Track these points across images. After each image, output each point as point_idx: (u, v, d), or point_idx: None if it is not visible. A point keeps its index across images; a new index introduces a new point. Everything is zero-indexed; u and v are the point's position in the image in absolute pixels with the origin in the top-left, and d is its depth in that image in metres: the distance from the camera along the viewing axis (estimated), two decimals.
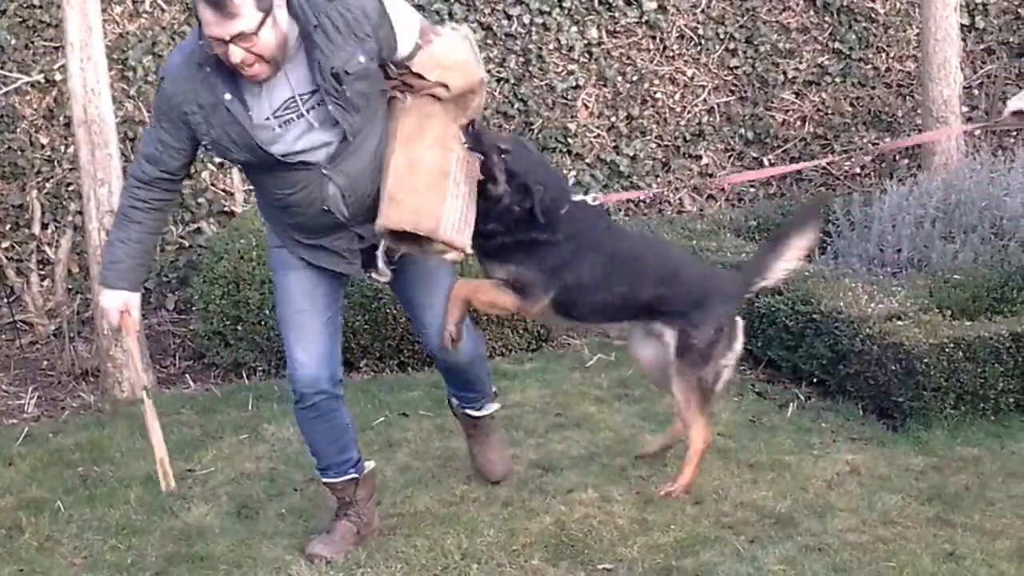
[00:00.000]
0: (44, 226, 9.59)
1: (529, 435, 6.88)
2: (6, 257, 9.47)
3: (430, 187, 4.75)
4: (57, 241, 9.58)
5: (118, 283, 4.98)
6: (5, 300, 9.49)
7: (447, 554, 5.33)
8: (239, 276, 8.31)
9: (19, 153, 9.42)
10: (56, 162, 9.54)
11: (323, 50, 4.58)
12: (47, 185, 9.53)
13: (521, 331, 8.64)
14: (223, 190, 9.85)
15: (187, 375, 8.62)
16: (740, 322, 5.73)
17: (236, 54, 4.41)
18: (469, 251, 5.00)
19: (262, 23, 4.38)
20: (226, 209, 9.81)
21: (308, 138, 4.72)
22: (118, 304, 5.01)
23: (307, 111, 4.68)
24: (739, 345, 5.68)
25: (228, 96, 4.58)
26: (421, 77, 4.83)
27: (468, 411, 5.98)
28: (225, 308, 8.34)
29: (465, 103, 4.97)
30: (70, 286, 9.56)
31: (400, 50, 4.82)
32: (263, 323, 8.22)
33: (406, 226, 4.74)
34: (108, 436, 7.23)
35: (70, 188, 9.47)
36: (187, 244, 9.77)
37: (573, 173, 10.52)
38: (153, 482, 6.23)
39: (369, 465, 5.51)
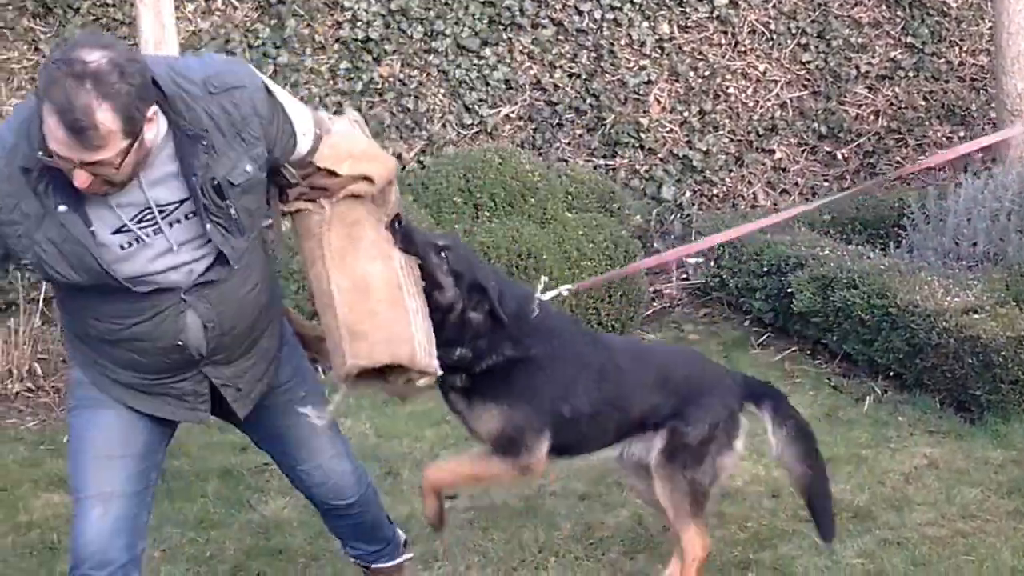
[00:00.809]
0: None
1: None
2: None
3: (391, 306, 3.89)
4: None
5: None
6: None
7: (524, 547, 5.38)
8: None
9: None
10: None
11: (203, 156, 3.58)
12: None
13: (594, 325, 8.67)
14: None
15: None
16: (743, 420, 4.83)
17: (82, 178, 3.38)
18: (439, 372, 4.03)
19: (127, 151, 3.38)
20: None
21: (167, 259, 3.65)
22: None
23: (168, 225, 3.61)
24: (740, 444, 4.81)
25: (63, 208, 3.48)
26: (332, 174, 3.92)
27: (379, 565, 4.79)
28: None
29: (384, 197, 4.09)
30: None
31: (300, 146, 3.85)
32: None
33: (383, 360, 3.84)
34: (185, 431, 7.27)
35: None
36: None
37: (646, 168, 10.51)
38: (231, 476, 6.35)
39: None
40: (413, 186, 9.26)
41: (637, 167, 10.48)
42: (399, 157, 9.64)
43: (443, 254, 4.20)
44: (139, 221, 3.55)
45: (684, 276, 9.83)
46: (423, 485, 4.51)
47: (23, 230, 3.50)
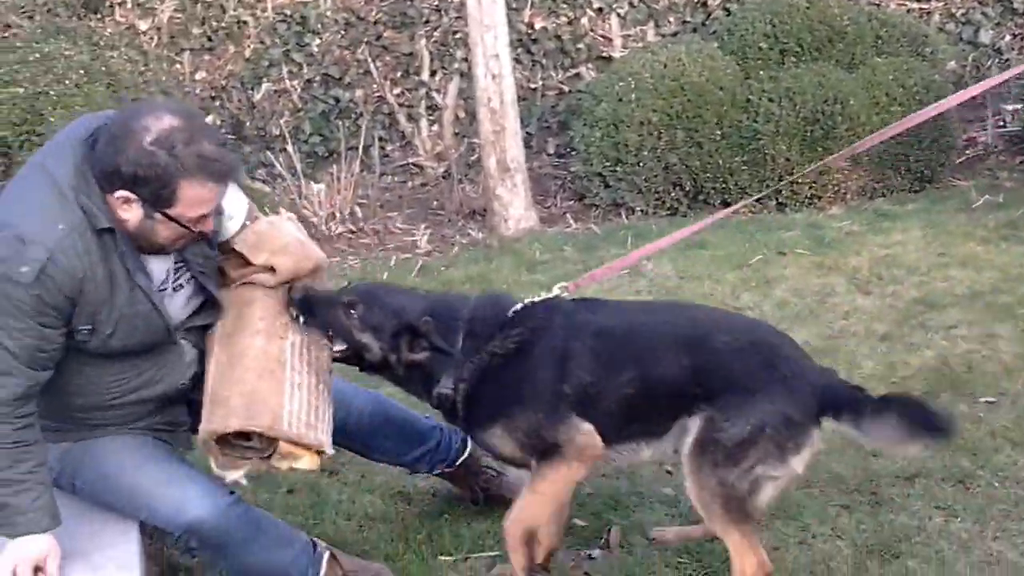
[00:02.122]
0: (432, 73, 10.02)
1: (911, 273, 6.81)
2: (398, 104, 9.97)
3: (261, 377, 3.66)
4: (445, 87, 10.01)
5: (36, 526, 3.41)
6: (398, 145, 10.02)
7: None
8: (618, 118, 8.50)
9: (408, 3, 9.86)
10: (443, 11, 9.92)
11: None
12: (435, 34, 9.90)
13: (903, 171, 8.49)
14: (601, 35, 10.00)
15: (567, 215, 8.91)
16: (811, 438, 3.81)
17: (209, 223, 3.54)
18: (330, 450, 3.72)
19: None
20: (604, 54, 9.96)
21: (189, 305, 3.78)
22: (35, 556, 3.40)
23: (188, 280, 3.74)
24: (798, 463, 3.79)
25: (132, 265, 3.49)
26: (245, 261, 3.81)
27: (450, 466, 4.54)
28: (605, 150, 8.57)
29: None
30: (457, 130, 10.00)
31: (227, 228, 3.80)
32: (641, 164, 8.43)
33: (235, 425, 3.58)
34: (495, 269, 7.61)
35: (456, 36, 9.81)
36: (567, 89, 9.99)
37: (962, 11, 10.08)
38: None
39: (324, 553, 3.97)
40: (718, 33, 9.20)
41: (953, 10, 10.06)
42: None
43: (352, 312, 3.84)
44: (175, 272, 3.67)
45: (1000, 123, 9.45)
46: (508, 544, 3.92)
47: (104, 294, 3.44)
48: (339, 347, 3.86)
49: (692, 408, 3.78)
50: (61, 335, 3.39)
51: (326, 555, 3.86)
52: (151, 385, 3.71)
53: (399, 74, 9.97)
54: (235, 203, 3.77)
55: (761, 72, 8.62)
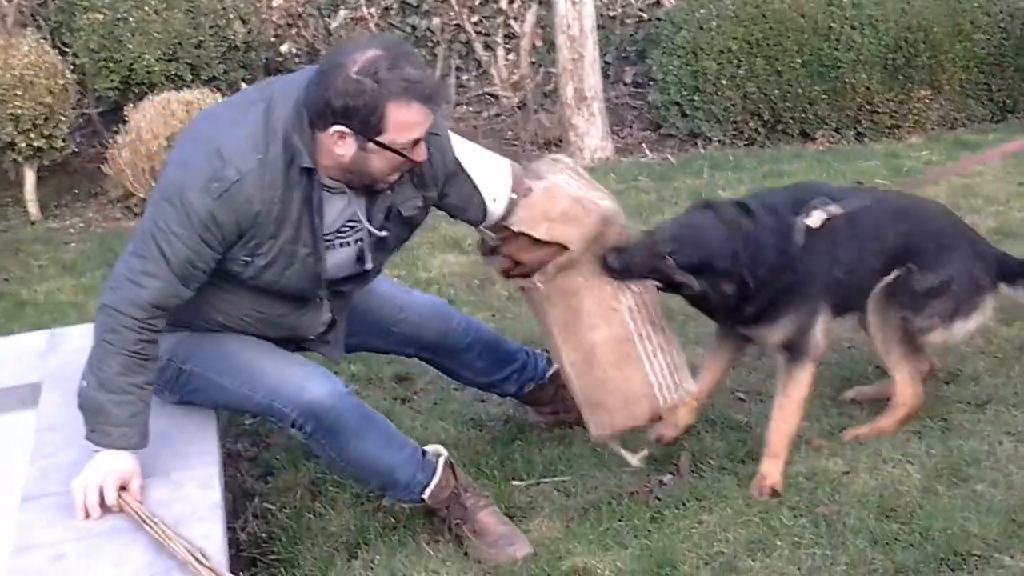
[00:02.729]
0: (511, 1, 10.03)
1: (989, 203, 6.80)
2: (475, 32, 9.99)
3: (620, 367, 3.86)
4: (522, 16, 10.01)
5: (127, 442, 3.44)
6: (473, 74, 10.05)
7: None
8: (698, 46, 8.51)
9: None
10: None
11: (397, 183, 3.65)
12: None
13: (985, 100, 8.43)
14: None
15: (643, 145, 8.94)
16: (988, 300, 4.42)
17: (422, 150, 3.51)
18: (696, 398, 4.19)
19: None
20: None
21: (347, 268, 3.79)
22: (121, 473, 3.38)
23: (356, 242, 3.75)
24: (973, 322, 4.38)
25: (313, 208, 3.53)
26: (530, 238, 3.80)
27: (536, 383, 4.57)
28: (683, 78, 8.59)
29: (602, 243, 3.89)
30: (533, 59, 10.01)
31: (491, 211, 3.86)
32: (720, 93, 8.43)
33: (624, 426, 3.91)
34: None
35: None
36: (646, 17, 9.96)
37: None
38: None
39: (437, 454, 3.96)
40: None
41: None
42: None
43: (669, 259, 3.91)
44: (345, 231, 3.68)
45: None
46: (775, 453, 4.12)
47: (272, 228, 3.48)
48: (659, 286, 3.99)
49: (895, 267, 4.28)
50: (215, 258, 3.45)
51: (442, 458, 3.87)
52: (283, 327, 3.80)
53: (477, 2, 9.98)
54: (494, 182, 3.82)
55: None
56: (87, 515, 3.27)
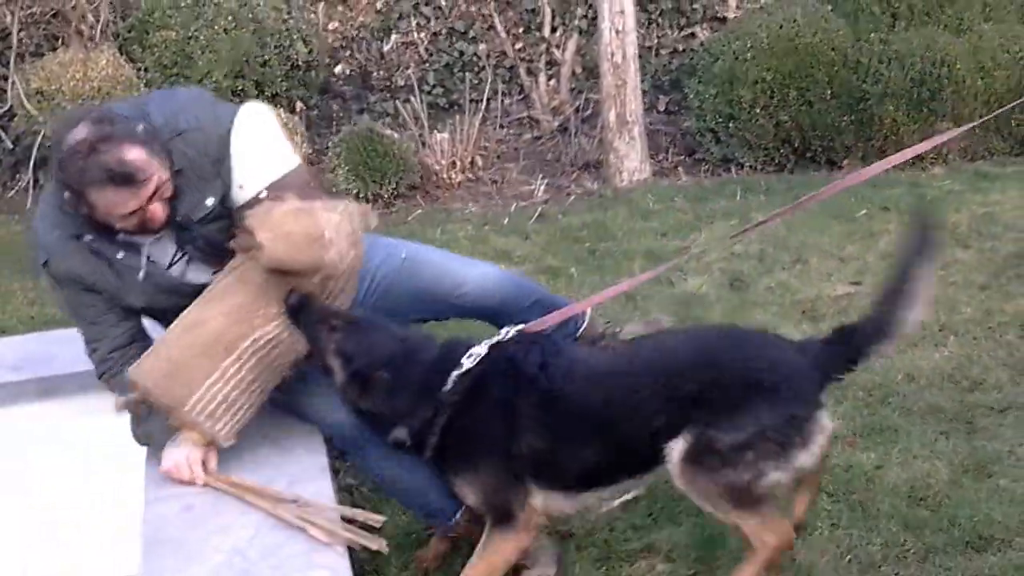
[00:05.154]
0: (553, 30, 10.41)
1: (1008, 230, 7.14)
2: (519, 58, 10.38)
3: (199, 355, 3.62)
4: (564, 44, 10.40)
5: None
6: (516, 98, 10.44)
7: (926, 327, 5.69)
8: (733, 76, 8.91)
9: None
10: None
11: (176, 195, 3.67)
12: None
13: (1004, 134, 8.82)
14: None
15: (679, 168, 9.33)
16: (817, 423, 3.54)
17: (157, 212, 3.58)
18: (222, 443, 3.66)
19: (170, 164, 3.59)
20: (719, 15, 10.29)
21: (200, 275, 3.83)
22: (202, 449, 3.68)
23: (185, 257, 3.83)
24: (816, 444, 3.54)
25: (120, 254, 3.69)
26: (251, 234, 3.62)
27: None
28: (719, 106, 8.98)
29: (324, 286, 3.73)
30: (573, 85, 10.40)
31: (234, 197, 3.77)
32: (753, 121, 8.81)
33: (149, 384, 3.59)
34: (611, 218, 8.04)
35: None
36: (680, 48, 10.33)
37: None
38: (653, 255, 7.00)
39: None
40: None
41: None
42: None
43: (334, 334, 3.61)
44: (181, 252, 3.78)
45: None
46: None
47: (112, 283, 3.70)
48: (309, 358, 3.69)
49: (680, 428, 3.52)
50: (107, 307, 3.75)
51: None
52: None
53: (521, 30, 10.36)
54: (248, 171, 3.74)
55: (872, 35, 8.94)
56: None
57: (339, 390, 3.60)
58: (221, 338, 3.61)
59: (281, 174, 3.75)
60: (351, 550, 3.32)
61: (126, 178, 3.44)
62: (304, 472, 3.61)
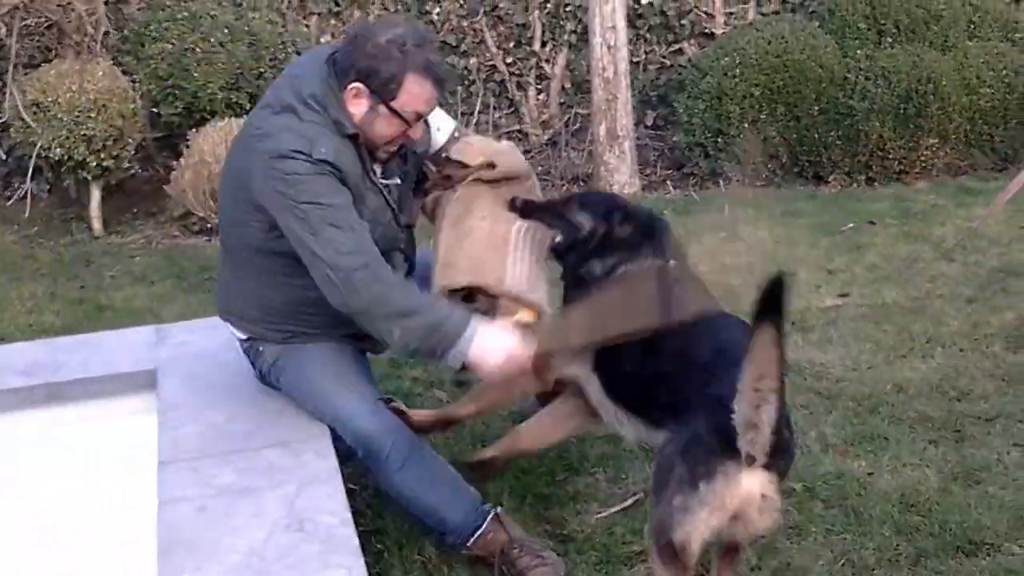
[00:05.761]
0: (543, 44, 10.46)
1: (993, 244, 7.30)
2: (509, 72, 10.44)
3: (487, 249, 3.93)
4: (554, 59, 10.46)
5: (467, 318, 3.74)
6: (505, 112, 10.52)
7: (914, 339, 5.82)
8: (722, 91, 9.04)
9: None
10: None
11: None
12: (548, 6, 10.33)
13: (988, 150, 8.97)
14: (704, 12, 10.43)
15: (668, 182, 9.47)
16: (733, 474, 3.09)
17: (420, 130, 3.94)
18: (547, 309, 3.94)
19: None
20: (707, 31, 10.38)
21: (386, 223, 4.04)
22: (506, 342, 3.76)
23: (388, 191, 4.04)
24: (712, 497, 3.11)
25: (370, 166, 3.89)
26: (464, 165, 4.09)
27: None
28: (707, 121, 9.11)
29: (517, 191, 4.08)
30: (563, 100, 10.48)
31: (435, 141, 4.16)
32: (741, 136, 8.95)
33: (463, 280, 3.88)
34: None
35: (567, 8, 10.25)
36: (668, 64, 10.43)
37: None
38: None
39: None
40: (819, 13, 9.62)
41: None
42: None
43: (568, 204, 3.95)
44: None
45: None
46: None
47: (356, 194, 3.79)
48: (558, 236, 3.95)
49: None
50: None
51: (492, 512, 3.91)
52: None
53: (512, 44, 10.40)
54: (442, 118, 4.19)
55: (859, 51, 9.09)
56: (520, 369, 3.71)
57: (589, 232, 3.86)
58: (494, 235, 3.98)
59: (454, 122, 4.23)
60: (365, 551, 3.39)
61: (440, 79, 3.79)
62: (315, 476, 3.67)
